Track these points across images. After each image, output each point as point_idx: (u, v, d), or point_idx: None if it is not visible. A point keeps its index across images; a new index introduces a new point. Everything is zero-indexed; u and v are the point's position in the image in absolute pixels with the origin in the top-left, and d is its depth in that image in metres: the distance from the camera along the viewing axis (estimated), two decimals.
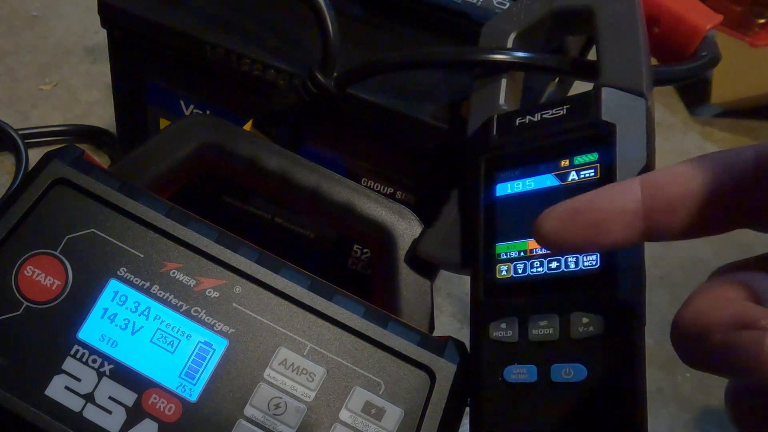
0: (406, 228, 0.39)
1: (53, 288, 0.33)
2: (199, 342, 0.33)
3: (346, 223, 0.39)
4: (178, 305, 0.33)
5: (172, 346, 0.33)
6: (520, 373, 0.30)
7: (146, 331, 0.33)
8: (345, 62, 0.41)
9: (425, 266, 0.39)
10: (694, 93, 0.90)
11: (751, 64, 0.83)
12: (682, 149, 0.85)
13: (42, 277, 0.33)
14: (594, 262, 0.29)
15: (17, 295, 0.33)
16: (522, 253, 0.31)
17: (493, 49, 0.37)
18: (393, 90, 0.43)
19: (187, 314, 0.33)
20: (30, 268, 0.33)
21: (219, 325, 0.33)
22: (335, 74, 0.40)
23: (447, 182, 0.38)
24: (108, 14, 0.46)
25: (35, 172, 0.34)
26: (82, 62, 0.78)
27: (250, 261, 0.34)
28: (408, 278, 0.38)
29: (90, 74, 0.77)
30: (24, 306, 0.33)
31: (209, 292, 0.33)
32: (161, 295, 0.33)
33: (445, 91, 0.43)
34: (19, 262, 0.33)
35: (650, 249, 0.28)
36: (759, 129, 0.88)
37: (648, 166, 0.30)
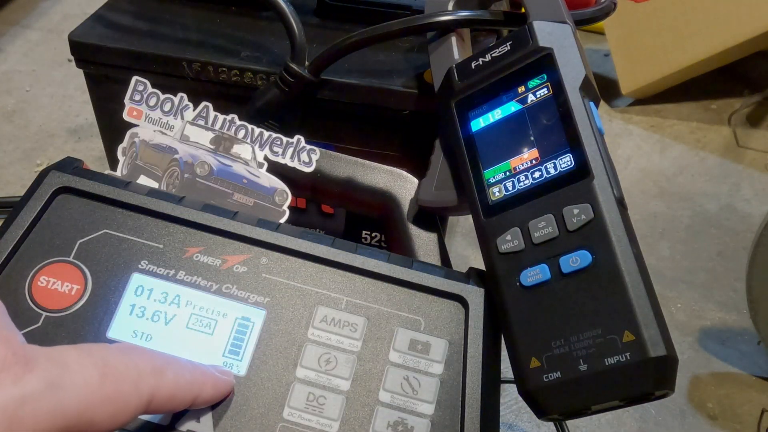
0: (407, 190, 0.40)
1: (72, 293, 0.32)
2: (237, 318, 0.32)
3: (350, 197, 0.40)
4: (208, 286, 0.33)
5: (209, 328, 0.32)
6: (534, 275, 0.31)
7: (180, 318, 0.32)
8: (313, 57, 0.43)
9: (431, 220, 0.40)
10: (608, 90, 1.02)
11: (641, 51, 0.94)
12: (612, 132, 0.93)
13: (58, 285, 0.32)
14: (569, 162, 0.32)
15: (34, 307, 0.31)
16: (508, 173, 0.34)
17: (437, 13, 0.42)
18: (364, 72, 0.46)
19: (218, 293, 0.33)
20: (44, 278, 0.32)
21: (253, 297, 0.33)
22: (307, 63, 0.42)
23: (427, 137, 0.40)
24: (82, 53, 0.46)
25: (35, 186, 0.34)
26: (66, 142, 0.77)
27: (271, 231, 0.34)
28: (418, 234, 0.39)
29: (76, 152, 0.76)
30: (43, 317, 0.31)
31: (237, 268, 0.33)
32: (189, 280, 0.33)
33: (408, 67, 0.47)
34: (31, 275, 0.32)
35: None
36: (664, 110, 1.00)
37: (587, 77, 0.34)
